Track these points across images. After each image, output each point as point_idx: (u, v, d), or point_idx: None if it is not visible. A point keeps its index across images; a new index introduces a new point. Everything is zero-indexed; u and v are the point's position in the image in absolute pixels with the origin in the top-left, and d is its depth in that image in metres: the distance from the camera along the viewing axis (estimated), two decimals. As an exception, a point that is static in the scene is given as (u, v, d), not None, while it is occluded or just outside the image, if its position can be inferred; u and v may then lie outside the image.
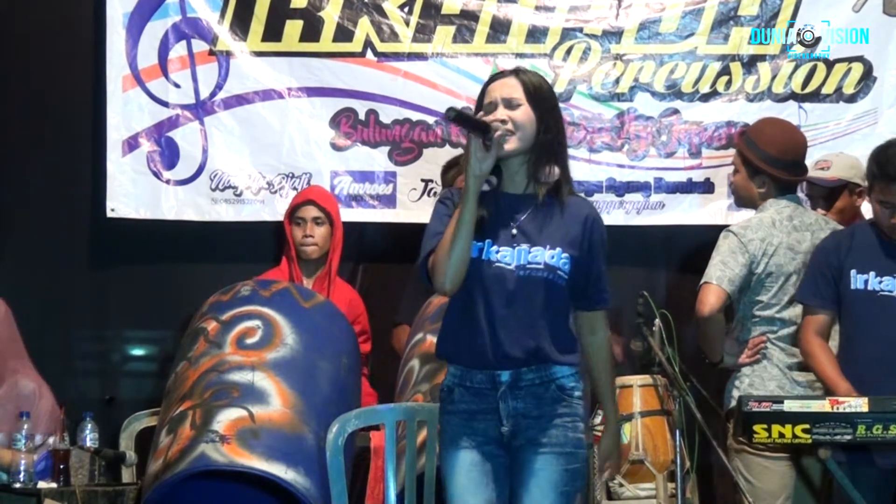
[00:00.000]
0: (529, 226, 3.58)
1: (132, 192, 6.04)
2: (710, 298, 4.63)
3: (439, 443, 3.68)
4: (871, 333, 4.38)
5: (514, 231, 3.57)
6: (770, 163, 4.79)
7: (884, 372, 4.32)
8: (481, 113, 3.60)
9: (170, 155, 6.05)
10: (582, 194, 3.82)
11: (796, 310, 4.69)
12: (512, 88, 3.60)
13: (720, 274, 4.65)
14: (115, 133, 6.05)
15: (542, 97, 3.62)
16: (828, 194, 5.11)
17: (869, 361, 4.35)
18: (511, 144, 3.55)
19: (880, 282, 4.41)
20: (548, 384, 3.55)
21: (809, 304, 4.53)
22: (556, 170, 3.60)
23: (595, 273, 3.64)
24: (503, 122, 3.55)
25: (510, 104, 3.58)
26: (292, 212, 5.52)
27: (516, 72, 3.66)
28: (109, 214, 6.03)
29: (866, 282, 4.41)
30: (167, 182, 6.04)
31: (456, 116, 3.48)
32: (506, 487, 3.58)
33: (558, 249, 3.56)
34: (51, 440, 4.80)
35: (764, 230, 4.72)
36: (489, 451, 3.56)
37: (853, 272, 4.43)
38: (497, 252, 3.56)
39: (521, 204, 3.60)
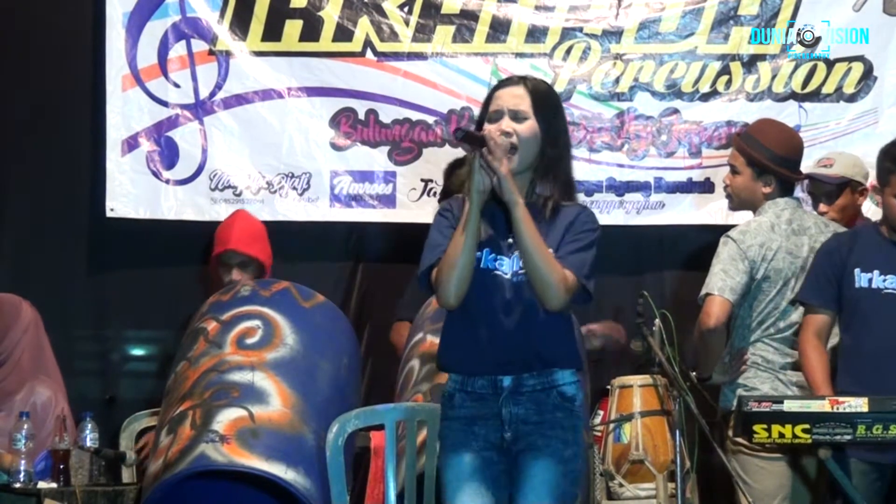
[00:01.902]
0: None
1: (132, 191, 6.04)
2: (716, 310, 4.63)
3: (440, 448, 3.66)
4: (875, 331, 4.39)
5: (511, 240, 3.56)
6: (777, 162, 4.79)
7: (889, 369, 4.33)
8: (485, 126, 3.56)
9: (169, 155, 6.05)
10: (582, 195, 3.81)
11: (795, 314, 4.69)
12: (520, 100, 3.58)
13: (722, 284, 4.64)
14: (115, 133, 6.05)
15: (549, 110, 3.61)
16: (829, 192, 5.11)
17: (874, 358, 4.37)
18: (512, 164, 3.52)
19: (884, 280, 4.42)
20: (549, 390, 3.55)
21: (811, 304, 4.53)
22: (558, 185, 3.58)
23: (567, 249, 3.55)
24: (508, 134, 3.54)
25: (517, 117, 3.56)
26: (218, 256, 5.37)
27: (524, 80, 3.63)
28: (109, 214, 6.03)
29: (870, 280, 4.43)
30: (167, 182, 6.05)
31: (464, 136, 3.49)
32: (505, 493, 3.57)
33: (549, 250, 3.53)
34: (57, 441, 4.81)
35: (763, 235, 4.72)
36: (489, 456, 3.55)
37: (857, 271, 4.44)
38: (495, 260, 3.56)
39: None
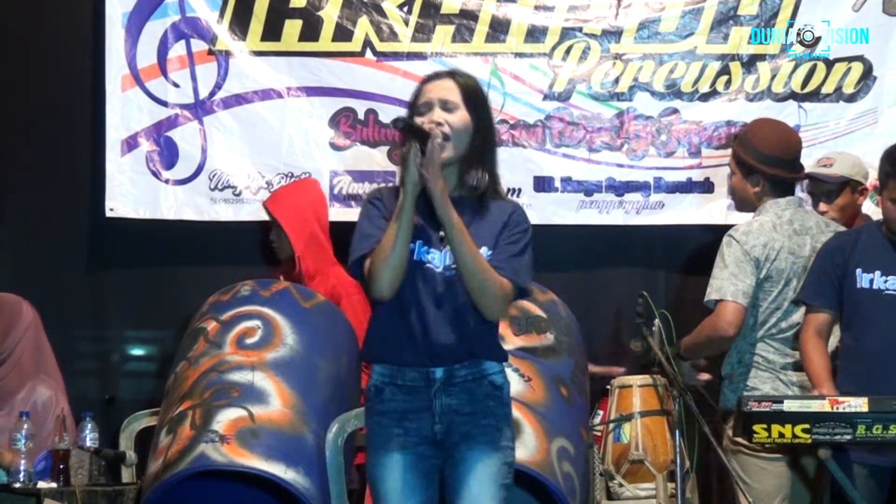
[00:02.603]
0: None
1: (131, 191, 6.04)
2: (733, 317, 4.62)
3: (367, 445, 3.62)
4: (875, 332, 4.39)
5: (442, 233, 3.56)
6: (762, 161, 4.79)
7: (889, 369, 4.32)
8: (419, 119, 3.58)
9: (169, 155, 6.05)
10: (509, 196, 3.82)
11: (797, 314, 4.69)
12: (449, 91, 3.60)
13: (735, 289, 4.63)
14: (115, 133, 6.05)
15: (478, 102, 3.63)
16: (829, 191, 5.11)
17: (874, 359, 4.36)
18: (447, 152, 3.55)
19: (885, 281, 4.41)
20: (480, 380, 3.56)
21: (812, 303, 4.53)
22: (487, 176, 3.61)
23: (504, 255, 3.57)
24: (439, 124, 3.55)
25: (446, 107, 3.59)
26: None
27: (452, 74, 3.67)
28: (108, 214, 6.03)
29: (871, 281, 4.43)
30: (166, 182, 6.05)
31: (404, 126, 3.52)
32: (436, 487, 3.57)
33: (483, 248, 3.55)
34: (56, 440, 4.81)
35: (766, 235, 4.71)
36: (421, 451, 3.54)
37: (858, 271, 4.44)
38: (427, 253, 3.57)
39: None
